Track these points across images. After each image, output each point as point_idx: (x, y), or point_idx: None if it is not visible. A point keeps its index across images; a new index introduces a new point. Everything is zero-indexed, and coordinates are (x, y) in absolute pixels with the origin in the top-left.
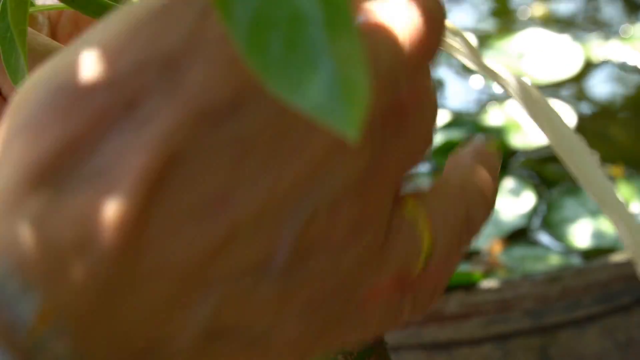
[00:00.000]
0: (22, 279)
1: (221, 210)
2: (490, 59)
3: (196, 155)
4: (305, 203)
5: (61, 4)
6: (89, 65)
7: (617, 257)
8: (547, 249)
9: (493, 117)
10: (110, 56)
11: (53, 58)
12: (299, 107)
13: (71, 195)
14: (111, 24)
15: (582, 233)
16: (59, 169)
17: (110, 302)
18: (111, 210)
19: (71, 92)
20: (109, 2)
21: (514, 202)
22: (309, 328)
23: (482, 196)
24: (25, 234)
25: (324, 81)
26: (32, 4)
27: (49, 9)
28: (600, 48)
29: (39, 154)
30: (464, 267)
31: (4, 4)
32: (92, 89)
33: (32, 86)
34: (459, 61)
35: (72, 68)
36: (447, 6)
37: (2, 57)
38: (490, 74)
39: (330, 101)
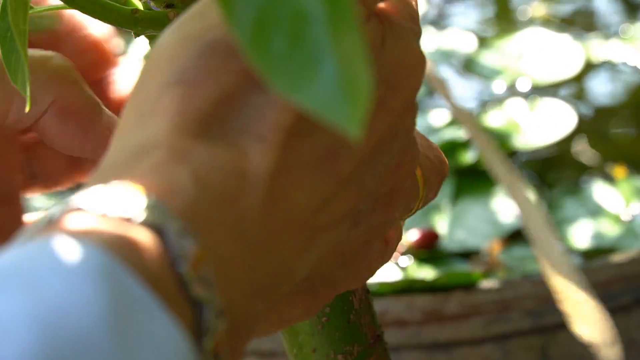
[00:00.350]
0: (182, 224)
1: (330, 164)
2: (490, 58)
3: None
4: (386, 156)
5: (61, 4)
6: None
7: (617, 258)
8: None
9: (493, 118)
10: None
11: (192, 14)
12: (302, 105)
13: (224, 148)
14: None
15: (582, 233)
16: (214, 123)
17: (249, 255)
18: (256, 162)
19: (222, 51)
20: (109, 2)
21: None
22: (346, 274)
23: (442, 155)
24: (187, 182)
25: (327, 79)
26: (31, 7)
27: (49, 9)
28: (600, 48)
29: (198, 107)
30: (464, 267)
31: (4, 4)
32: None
33: (178, 40)
34: (459, 61)
35: (220, 28)
36: (447, 7)
37: (2, 56)
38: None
39: (332, 100)
